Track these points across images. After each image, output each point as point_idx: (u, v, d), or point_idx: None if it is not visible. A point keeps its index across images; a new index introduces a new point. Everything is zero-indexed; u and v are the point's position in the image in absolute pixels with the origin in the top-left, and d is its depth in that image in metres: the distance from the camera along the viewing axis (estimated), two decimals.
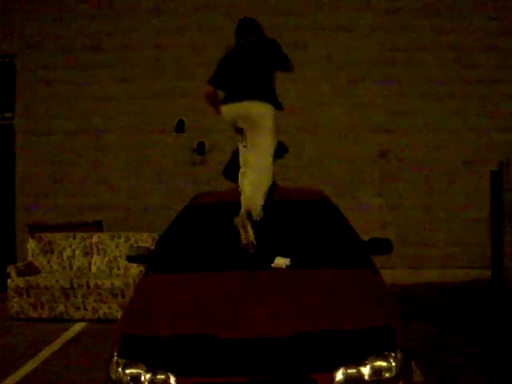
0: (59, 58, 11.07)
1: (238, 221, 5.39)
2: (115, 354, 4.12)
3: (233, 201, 6.15)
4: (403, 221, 10.93)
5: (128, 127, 11.02)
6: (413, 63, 10.95)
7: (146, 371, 4.01)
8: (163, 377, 3.97)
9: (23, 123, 11.15)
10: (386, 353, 4.01)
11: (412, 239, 10.88)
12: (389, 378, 3.97)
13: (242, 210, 5.51)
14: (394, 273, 9.75)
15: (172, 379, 3.95)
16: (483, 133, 10.89)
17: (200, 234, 5.76)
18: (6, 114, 11.33)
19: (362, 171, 10.99)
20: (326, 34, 10.96)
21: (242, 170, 5.93)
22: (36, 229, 10.11)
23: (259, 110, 5.77)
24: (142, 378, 4.01)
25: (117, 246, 9.45)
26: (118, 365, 4.07)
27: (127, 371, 4.04)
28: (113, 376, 4.07)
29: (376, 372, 3.97)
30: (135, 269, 8.79)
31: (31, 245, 9.65)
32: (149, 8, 11.13)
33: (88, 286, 8.80)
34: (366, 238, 5.62)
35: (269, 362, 3.95)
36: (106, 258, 9.47)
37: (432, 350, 6.99)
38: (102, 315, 8.77)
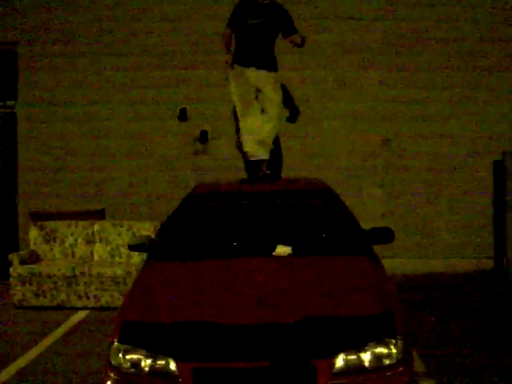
0: (62, 45, 11.02)
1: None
2: (116, 340, 4.14)
3: (234, 190, 6.19)
4: (406, 210, 10.91)
5: (131, 115, 11.00)
6: (416, 52, 10.90)
7: (147, 357, 4.02)
8: (163, 362, 3.99)
9: (25, 111, 11.12)
10: (386, 339, 4.02)
11: (415, 229, 10.86)
12: (389, 365, 3.98)
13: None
14: (396, 262, 9.75)
15: (172, 364, 3.96)
16: (487, 122, 10.85)
17: (201, 223, 5.80)
18: (8, 102, 11.29)
19: (365, 161, 10.96)
20: (330, 22, 10.91)
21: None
22: (37, 217, 10.11)
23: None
24: (143, 364, 4.02)
25: (119, 235, 9.45)
26: (118, 351, 4.08)
27: (128, 357, 4.05)
28: (113, 362, 4.09)
29: (376, 358, 3.97)
30: (137, 257, 8.80)
31: (33, 233, 9.65)
32: None
33: (90, 274, 8.81)
34: (368, 227, 5.61)
35: (269, 348, 3.95)
36: (108, 247, 9.47)
37: (434, 340, 6.99)
38: (104, 303, 8.78)
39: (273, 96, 6.73)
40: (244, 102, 6.78)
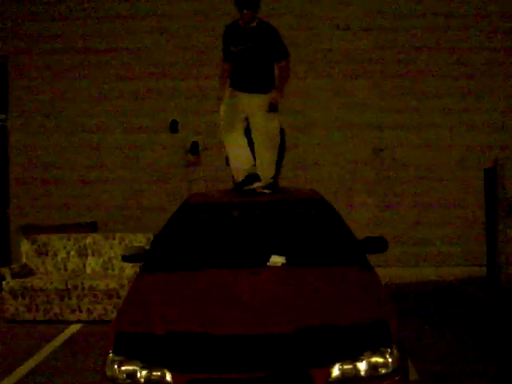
0: (52, 58, 11.05)
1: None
2: (111, 351, 4.11)
3: (227, 200, 6.18)
4: (398, 219, 10.94)
5: (122, 127, 11.01)
6: (407, 61, 10.98)
7: (142, 368, 4.01)
8: (159, 373, 3.97)
9: (17, 124, 11.13)
10: (381, 349, 4.02)
11: (407, 237, 10.89)
12: (385, 374, 3.98)
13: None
14: (389, 271, 9.74)
15: (168, 376, 3.95)
16: (478, 130, 10.92)
17: (195, 234, 5.79)
18: None
19: (357, 170, 11.00)
20: (321, 32, 10.97)
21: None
22: (29, 230, 10.07)
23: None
24: (138, 375, 4.01)
25: (111, 247, 9.42)
26: (113, 362, 4.06)
27: (123, 368, 4.04)
28: (108, 373, 4.07)
29: (372, 368, 3.97)
30: (130, 269, 8.78)
31: (25, 246, 9.60)
32: (142, 10, 11.12)
33: (83, 288, 8.76)
34: (361, 236, 5.62)
35: (265, 359, 3.93)
36: (101, 259, 9.44)
37: (427, 348, 6.99)
38: (97, 316, 8.73)
39: (263, 124, 6.43)
40: (228, 120, 6.53)
